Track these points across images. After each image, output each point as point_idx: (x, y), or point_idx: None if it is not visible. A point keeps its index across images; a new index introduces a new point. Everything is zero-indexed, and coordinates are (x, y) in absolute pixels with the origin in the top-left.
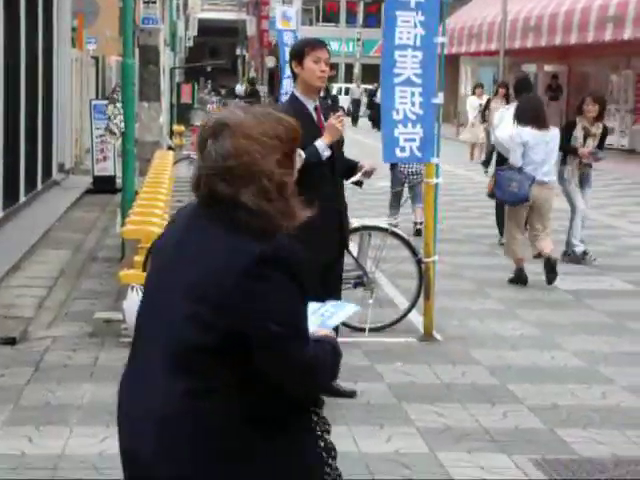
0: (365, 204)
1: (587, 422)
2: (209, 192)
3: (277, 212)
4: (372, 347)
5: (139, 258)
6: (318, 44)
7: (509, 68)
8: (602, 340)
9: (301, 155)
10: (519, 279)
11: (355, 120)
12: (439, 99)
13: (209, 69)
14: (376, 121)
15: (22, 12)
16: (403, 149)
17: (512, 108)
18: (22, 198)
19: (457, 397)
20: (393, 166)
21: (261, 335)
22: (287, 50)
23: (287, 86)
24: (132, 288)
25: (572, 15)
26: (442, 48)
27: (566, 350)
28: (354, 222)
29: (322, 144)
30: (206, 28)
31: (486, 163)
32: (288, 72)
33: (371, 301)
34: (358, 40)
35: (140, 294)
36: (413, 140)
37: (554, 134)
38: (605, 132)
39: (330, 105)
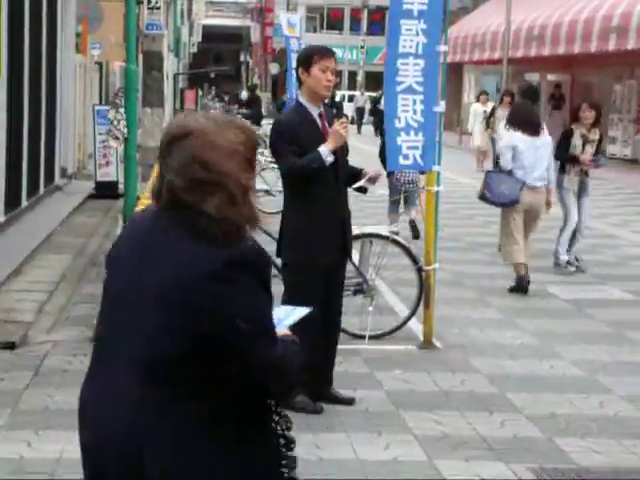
0: (366, 212)
1: (585, 431)
2: (171, 200)
3: (241, 217)
4: (372, 354)
5: None
6: (327, 53)
7: (512, 77)
8: (601, 349)
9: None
10: (519, 288)
11: (359, 128)
12: (441, 107)
13: (213, 75)
14: (379, 127)
15: (26, 17)
16: (406, 157)
17: None
18: (24, 202)
19: (455, 405)
20: (389, 174)
21: (230, 334)
22: (294, 56)
23: (295, 92)
24: None
25: (575, 25)
26: (444, 57)
27: (565, 359)
28: (355, 229)
29: (325, 150)
30: (210, 34)
31: None
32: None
33: (371, 308)
34: (362, 47)
35: None
36: (416, 148)
37: (546, 140)
38: (600, 138)
39: (334, 113)
